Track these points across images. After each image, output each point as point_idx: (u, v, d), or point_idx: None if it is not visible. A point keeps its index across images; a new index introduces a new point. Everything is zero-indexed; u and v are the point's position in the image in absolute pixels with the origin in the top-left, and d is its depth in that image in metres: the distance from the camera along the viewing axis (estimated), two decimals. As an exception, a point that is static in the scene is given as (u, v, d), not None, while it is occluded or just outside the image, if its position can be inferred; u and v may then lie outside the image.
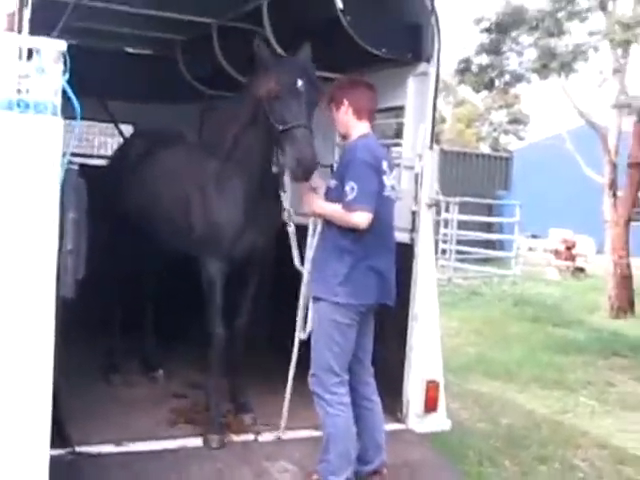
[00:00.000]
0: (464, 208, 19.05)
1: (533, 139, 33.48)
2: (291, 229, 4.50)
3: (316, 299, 4.17)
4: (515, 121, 52.24)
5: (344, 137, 4.43)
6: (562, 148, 17.70)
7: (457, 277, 17.44)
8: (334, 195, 4.14)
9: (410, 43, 5.10)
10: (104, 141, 10.47)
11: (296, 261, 4.44)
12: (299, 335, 4.48)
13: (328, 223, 4.19)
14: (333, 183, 4.20)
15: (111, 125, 8.69)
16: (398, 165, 5.14)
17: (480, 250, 20.07)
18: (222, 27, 6.52)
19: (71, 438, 4.28)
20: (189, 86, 7.70)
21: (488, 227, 23.11)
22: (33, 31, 3.51)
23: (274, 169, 4.69)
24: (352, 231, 4.06)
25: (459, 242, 18.93)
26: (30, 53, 3.13)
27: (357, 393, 4.25)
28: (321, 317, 4.13)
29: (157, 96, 7.89)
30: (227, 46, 6.69)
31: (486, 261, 20.22)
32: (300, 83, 4.28)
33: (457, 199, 17.79)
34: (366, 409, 4.29)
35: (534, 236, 24.71)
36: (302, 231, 4.48)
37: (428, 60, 5.08)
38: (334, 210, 4.13)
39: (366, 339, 4.30)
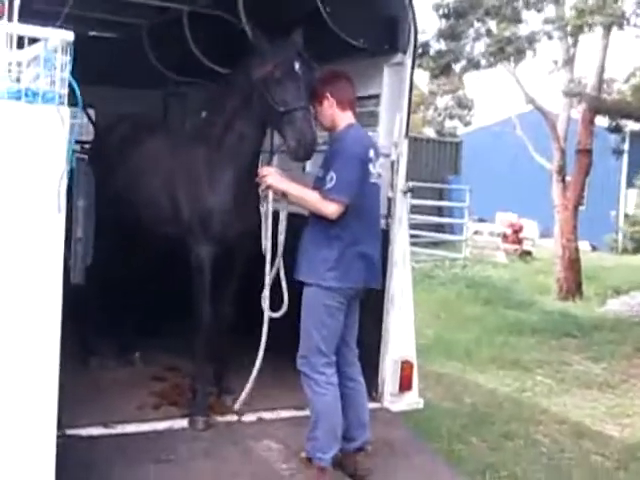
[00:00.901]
0: (415, 192, 19.25)
1: (481, 124, 33.95)
2: (263, 209, 4.51)
3: (306, 284, 4.28)
4: (460, 106, 52.88)
5: (329, 129, 4.51)
6: (511, 133, 18.12)
7: (410, 260, 17.67)
8: (321, 184, 4.24)
9: (387, 34, 5.21)
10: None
11: (263, 242, 4.51)
12: (269, 314, 4.57)
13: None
14: (321, 172, 4.30)
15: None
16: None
17: (431, 234, 20.39)
18: (192, 13, 6.54)
19: (61, 421, 4.33)
20: (154, 71, 7.69)
21: (439, 211, 23.46)
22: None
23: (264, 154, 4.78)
24: (342, 219, 4.18)
25: (411, 226, 19.15)
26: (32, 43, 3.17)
27: (343, 374, 4.38)
28: (311, 301, 4.25)
29: (119, 80, 7.88)
30: (197, 32, 6.72)
31: (437, 244, 20.57)
32: (297, 66, 4.39)
33: (410, 183, 17.99)
34: (351, 389, 4.43)
35: (481, 220, 25.17)
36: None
37: (404, 51, 5.20)
38: (304, 194, 4.27)
39: (352, 321, 4.44)
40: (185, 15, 6.60)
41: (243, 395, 4.84)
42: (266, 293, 4.56)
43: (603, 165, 20.35)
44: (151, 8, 6.64)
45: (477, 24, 12.61)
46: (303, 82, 4.38)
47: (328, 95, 4.36)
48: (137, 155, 5.43)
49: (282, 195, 4.41)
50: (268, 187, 4.40)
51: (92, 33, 8.34)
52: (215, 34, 6.49)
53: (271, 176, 4.39)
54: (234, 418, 4.91)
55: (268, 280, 4.53)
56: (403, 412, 5.30)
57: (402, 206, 5.29)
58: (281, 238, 4.48)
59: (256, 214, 4.52)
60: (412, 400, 5.34)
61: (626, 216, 24.83)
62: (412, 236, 19.25)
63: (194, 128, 5.51)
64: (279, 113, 4.34)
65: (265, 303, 4.57)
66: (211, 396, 5.06)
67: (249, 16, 5.79)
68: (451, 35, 12.52)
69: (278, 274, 4.52)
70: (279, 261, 4.48)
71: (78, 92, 3.18)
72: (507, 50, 12.06)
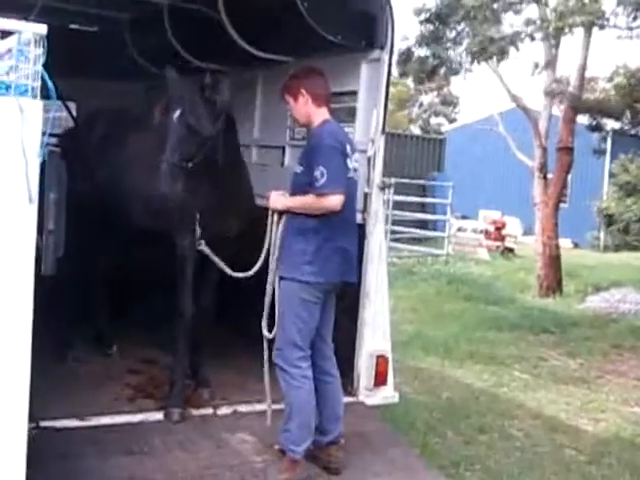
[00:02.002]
0: (399, 189, 19.37)
1: (464, 121, 34.06)
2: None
3: (283, 278, 4.31)
4: (445, 103, 53.03)
5: (305, 125, 4.53)
6: (494, 131, 18.21)
7: (392, 256, 17.76)
8: (302, 180, 4.26)
9: (364, 30, 5.24)
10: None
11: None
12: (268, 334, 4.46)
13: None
14: (299, 169, 4.31)
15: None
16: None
17: (414, 230, 20.48)
18: (172, 6, 6.56)
19: (34, 412, 4.34)
20: (135, 64, 7.70)
21: (422, 207, 23.55)
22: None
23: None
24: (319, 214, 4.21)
25: (394, 222, 19.27)
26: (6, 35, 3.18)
27: (318, 367, 4.41)
28: (288, 295, 4.27)
29: (101, 73, 7.88)
30: (177, 26, 6.74)
31: (420, 241, 20.66)
32: (177, 115, 4.44)
33: (393, 180, 18.08)
34: (326, 383, 4.46)
35: (464, 217, 25.30)
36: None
37: (381, 47, 5.23)
38: (303, 201, 4.24)
39: (328, 316, 4.48)
40: (166, 8, 6.62)
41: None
42: (267, 300, 4.43)
43: (586, 163, 20.53)
44: (132, 2, 6.64)
45: (459, 27, 12.66)
46: (181, 132, 4.42)
47: (303, 91, 4.37)
48: (118, 148, 5.45)
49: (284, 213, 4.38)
50: (273, 211, 4.40)
51: (73, 26, 8.36)
52: (195, 28, 6.51)
53: (271, 201, 4.38)
54: (209, 411, 4.94)
55: (269, 288, 4.43)
56: (378, 406, 5.34)
57: (378, 201, 5.32)
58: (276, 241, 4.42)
59: (236, 211, 4.53)
60: (387, 394, 5.39)
61: (605, 215, 25.01)
62: (395, 232, 19.61)
63: None
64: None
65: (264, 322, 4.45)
66: (188, 389, 5.08)
67: (228, 10, 5.82)
68: (434, 40, 12.55)
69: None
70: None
71: (51, 85, 3.18)
72: (489, 50, 12.10)
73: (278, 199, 4.37)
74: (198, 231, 4.75)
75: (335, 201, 4.16)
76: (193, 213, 4.77)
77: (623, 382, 8.91)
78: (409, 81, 47.54)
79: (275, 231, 4.38)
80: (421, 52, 13.35)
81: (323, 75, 4.50)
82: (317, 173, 4.13)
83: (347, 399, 5.16)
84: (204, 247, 4.72)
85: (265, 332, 4.41)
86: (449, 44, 12.88)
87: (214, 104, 4.57)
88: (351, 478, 4.39)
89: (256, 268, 4.52)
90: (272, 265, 4.40)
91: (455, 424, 6.63)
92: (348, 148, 4.35)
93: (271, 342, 4.42)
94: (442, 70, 13.54)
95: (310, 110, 4.40)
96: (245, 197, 5.09)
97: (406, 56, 13.27)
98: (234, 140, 5.05)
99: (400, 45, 13.22)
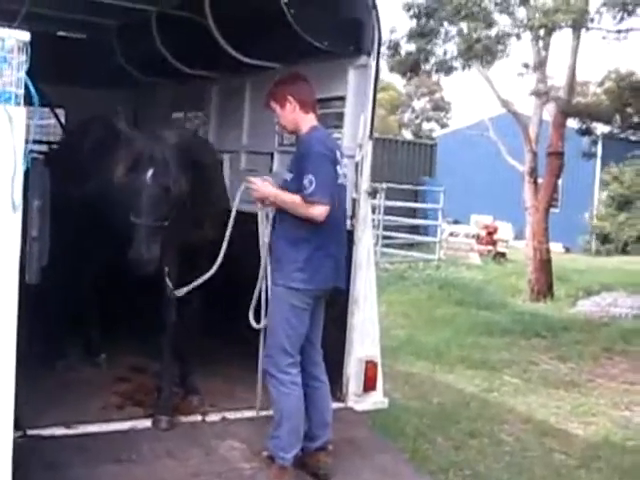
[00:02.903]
0: (390, 194, 19.41)
1: (455, 126, 34.17)
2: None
3: (274, 284, 4.31)
4: (437, 108, 53.20)
5: (292, 132, 4.53)
6: (484, 136, 18.26)
7: (384, 262, 17.80)
8: (291, 187, 4.24)
9: (351, 37, 5.25)
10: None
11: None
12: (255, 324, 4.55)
13: (283, 213, 4.29)
14: (289, 176, 4.30)
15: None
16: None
17: (405, 235, 20.51)
18: (160, 14, 6.56)
19: (21, 421, 4.33)
20: (123, 71, 7.71)
21: (413, 212, 23.59)
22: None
23: None
24: (308, 221, 4.20)
25: (385, 227, 19.30)
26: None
27: (307, 373, 4.41)
28: (278, 301, 4.27)
29: (89, 81, 7.88)
30: (165, 33, 6.74)
31: (411, 246, 20.68)
32: (150, 174, 4.28)
33: (384, 185, 18.13)
34: (315, 388, 4.46)
35: (456, 222, 25.35)
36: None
37: (368, 53, 5.23)
38: (292, 199, 4.21)
39: (318, 322, 4.47)
40: (154, 15, 6.62)
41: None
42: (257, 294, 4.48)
43: (578, 167, 20.58)
44: (120, 9, 6.64)
45: (447, 25, 12.70)
46: (156, 192, 4.29)
47: (290, 98, 4.36)
48: (105, 157, 5.42)
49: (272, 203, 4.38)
50: (258, 197, 4.39)
51: (61, 33, 8.37)
52: (183, 35, 6.52)
53: (259, 186, 4.36)
54: (198, 418, 4.92)
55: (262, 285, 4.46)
56: (368, 412, 5.34)
57: (366, 207, 5.32)
58: (266, 240, 4.44)
59: (215, 218, 4.51)
60: (377, 400, 5.38)
61: (599, 234, 25.03)
62: (386, 237, 19.63)
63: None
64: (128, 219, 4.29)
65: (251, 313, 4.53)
66: (176, 396, 5.07)
67: (215, 17, 5.83)
68: (421, 35, 12.59)
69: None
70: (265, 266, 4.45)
71: (34, 92, 3.18)
72: (475, 48, 12.12)
73: (265, 186, 4.35)
74: (170, 285, 4.75)
75: (320, 211, 4.16)
76: (163, 267, 4.72)
77: (614, 386, 8.92)
78: (401, 86, 47.84)
79: (264, 228, 4.40)
80: (408, 47, 13.40)
81: (308, 81, 4.50)
82: (306, 181, 4.13)
83: (336, 405, 5.16)
84: (180, 292, 4.73)
85: (253, 323, 4.49)
86: (437, 40, 12.89)
87: (184, 156, 4.49)
88: (340, 484, 4.38)
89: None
90: (263, 262, 4.42)
91: (445, 429, 6.63)
92: (338, 154, 4.37)
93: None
94: (428, 67, 13.53)
95: (298, 117, 4.39)
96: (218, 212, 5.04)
97: (394, 50, 13.29)
98: (204, 182, 4.96)
99: (389, 38, 13.30)
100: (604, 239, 24.86)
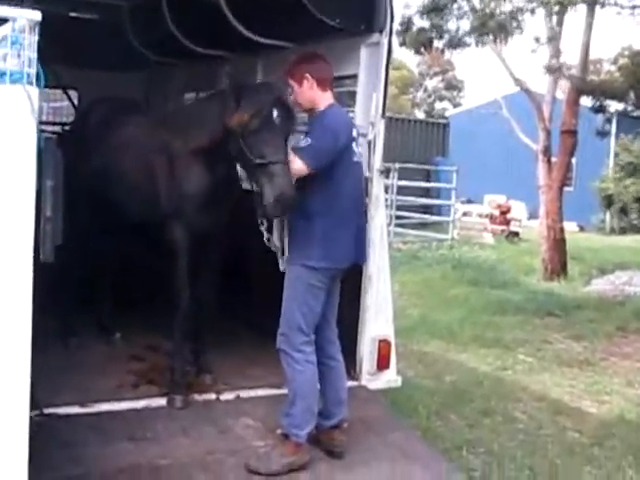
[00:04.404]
0: (403, 174, 19.36)
1: (468, 105, 33.92)
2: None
3: (290, 262, 4.32)
4: (450, 87, 52.88)
5: (308, 111, 4.51)
6: (498, 114, 18.14)
7: (397, 241, 17.78)
8: None
9: (363, 14, 5.21)
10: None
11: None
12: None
13: (301, 189, 4.24)
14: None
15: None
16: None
17: (419, 215, 20.47)
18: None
19: (38, 400, 4.37)
20: (135, 52, 7.69)
21: (426, 192, 23.53)
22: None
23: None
24: (325, 196, 4.22)
25: (398, 207, 19.26)
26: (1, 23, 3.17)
27: (322, 352, 4.42)
28: (294, 279, 4.28)
29: (101, 62, 7.87)
30: (177, 13, 6.71)
31: (424, 226, 20.65)
32: (276, 114, 4.27)
33: (397, 165, 18.08)
34: (330, 367, 4.47)
35: (469, 201, 25.26)
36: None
37: (381, 31, 5.20)
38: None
39: (333, 300, 4.48)
40: (164, -5, 6.60)
41: None
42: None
43: (591, 145, 20.42)
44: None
45: (461, 1, 12.58)
46: (282, 132, 4.27)
47: (308, 76, 4.35)
48: (116, 138, 5.43)
49: None
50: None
51: (72, 14, 8.35)
52: (195, 14, 6.49)
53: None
54: (212, 396, 4.96)
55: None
56: (381, 390, 5.35)
57: (379, 186, 5.31)
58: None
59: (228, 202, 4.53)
60: (390, 378, 5.39)
61: (604, 197, 25.03)
62: (399, 217, 19.60)
63: (174, 116, 5.55)
64: (255, 164, 4.21)
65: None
66: (189, 375, 5.10)
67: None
68: (433, 10, 12.48)
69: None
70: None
71: (42, 73, 3.18)
72: (489, 24, 12.00)
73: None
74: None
75: (299, 167, 4.16)
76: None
77: (628, 364, 8.91)
78: (413, 65, 47.53)
79: None
80: (421, 23, 13.32)
81: (325, 58, 4.50)
82: (304, 140, 4.21)
83: (350, 383, 5.17)
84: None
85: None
86: (450, 17, 12.79)
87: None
88: (354, 462, 4.39)
89: None
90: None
91: (459, 408, 6.64)
92: (354, 132, 4.40)
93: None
94: (441, 43, 13.43)
95: (315, 95, 4.39)
96: None
97: (406, 26, 13.20)
98: None
99: (402, 13, 13.23)
100: (608, 202, 24.86)
